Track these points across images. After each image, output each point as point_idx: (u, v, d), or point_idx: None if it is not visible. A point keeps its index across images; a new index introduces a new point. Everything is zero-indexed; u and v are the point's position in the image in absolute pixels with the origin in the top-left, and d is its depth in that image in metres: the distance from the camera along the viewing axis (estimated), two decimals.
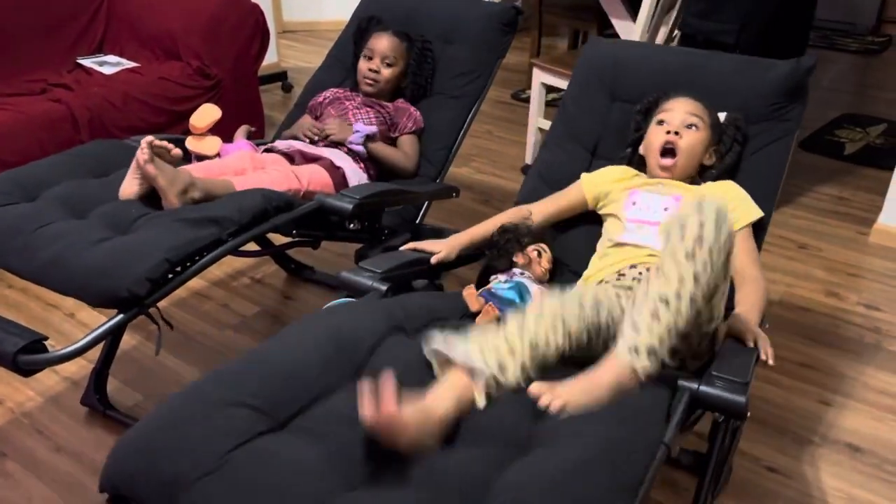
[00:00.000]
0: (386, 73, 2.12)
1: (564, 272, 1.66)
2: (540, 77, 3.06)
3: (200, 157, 1.87)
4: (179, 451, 0.98)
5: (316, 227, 1.81)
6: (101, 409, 1.85)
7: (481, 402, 1.09)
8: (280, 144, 2.02)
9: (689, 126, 1.58)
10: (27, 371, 1.29)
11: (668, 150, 1.58)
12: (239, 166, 1.82)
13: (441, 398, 1.07)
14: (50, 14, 2.93)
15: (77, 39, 3.02)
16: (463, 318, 1.41)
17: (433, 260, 1.55)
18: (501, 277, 1.50)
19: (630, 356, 1.11)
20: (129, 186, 1.65)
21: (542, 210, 1.68)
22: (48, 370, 1.92)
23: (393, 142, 2.10)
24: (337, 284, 1.47)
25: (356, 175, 1.95)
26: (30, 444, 1.77)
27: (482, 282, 1.55)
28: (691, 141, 1.57)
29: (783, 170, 1.62)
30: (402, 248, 1.60)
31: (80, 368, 1.97)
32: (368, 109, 2.10)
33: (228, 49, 2.99)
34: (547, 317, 1.15)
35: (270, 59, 4.07)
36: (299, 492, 0.94)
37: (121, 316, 1.38)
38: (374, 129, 2.00)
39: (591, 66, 1.87)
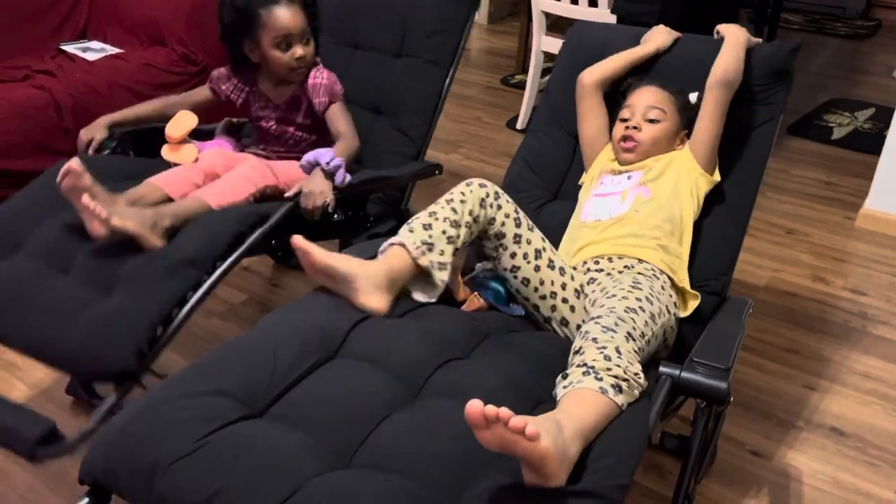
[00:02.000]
0: (310, 49, 1.85)
1: None
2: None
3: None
4: (156, 439, 0.98)
5: (295, 230, 1.69)
6: (86, 397, 1.84)
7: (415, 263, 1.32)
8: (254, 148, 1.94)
9: (650, 120, 1.59)
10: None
11: (628, 147, 1.60)
12: (209, 168, 1.74)
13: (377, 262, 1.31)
14: (32, 0, 2.89)
15: (60, 25, 2.98)
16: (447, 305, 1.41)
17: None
18: (488, 265, 1.50)
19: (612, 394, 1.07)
20: (96, 228, 1.49)
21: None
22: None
23: (319, 123, 1.91)
24: None
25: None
26: None
27: (468, 271, 1.55)
28: (652, 134, 1.59)
29: (767, 153, 1.61)
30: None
31: None
32: (290, 129, 1.91)
33: (214, 34, 2.93)
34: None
35: None
36: (276, 473, 0.94)
37: (114, 395, 1.36)
38: (338, 161, 1.69)
39: (577, 50, 1.85)
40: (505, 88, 3.96)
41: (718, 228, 1.58)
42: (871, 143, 3.28)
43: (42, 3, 2.93)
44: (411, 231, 1.34)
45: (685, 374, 1.14)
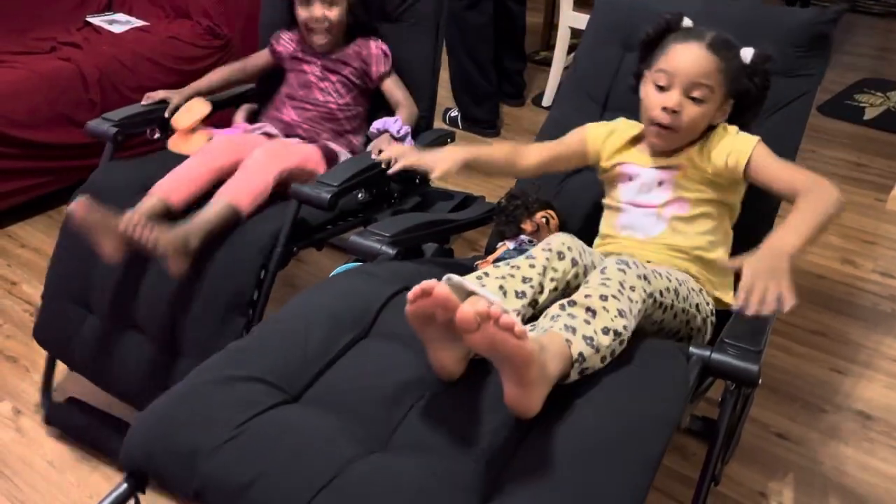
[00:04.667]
0: (332, 14, 1.84)
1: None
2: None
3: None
4: (196, 425, 0.99)
5: (309, 227, 1.69)
6: None
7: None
8: (271, 129, 1.90)
9: (694, 98, 1.32)
10: None
11: (663, 134, 1.36)
12: (215, 164, 1.67)
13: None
14: None
15: None
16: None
17: (433, 176, 1.38)
18: (510, 244, 1.48)
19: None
20: (110, 253, 1.46)
21: (537, 153, 1.51)
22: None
23: (373, 92, 1.95)
24: (346, 248, 1.45)
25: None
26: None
27: (490, 249, 1.53)
28: (694, 116, 1.32)
29: (802, 129, 1.55)
30: (380, 157, 1.55)
31: None
32: (332, 77, 1.91)
33: (239, 8, 2.94)
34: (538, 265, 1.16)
35: None
36: (315, 458, 0.94)
37: None
38: (406, 128, 1.80)
39: (605, 16, 1.79)
40: (530, 65, 3.91)
41: (750, 208, 1.50)
42: None
43: None
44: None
45: (716, 356, 1.11)
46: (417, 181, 1.93)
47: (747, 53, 1.36)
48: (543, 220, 1.51)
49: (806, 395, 1.83)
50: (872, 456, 1.67)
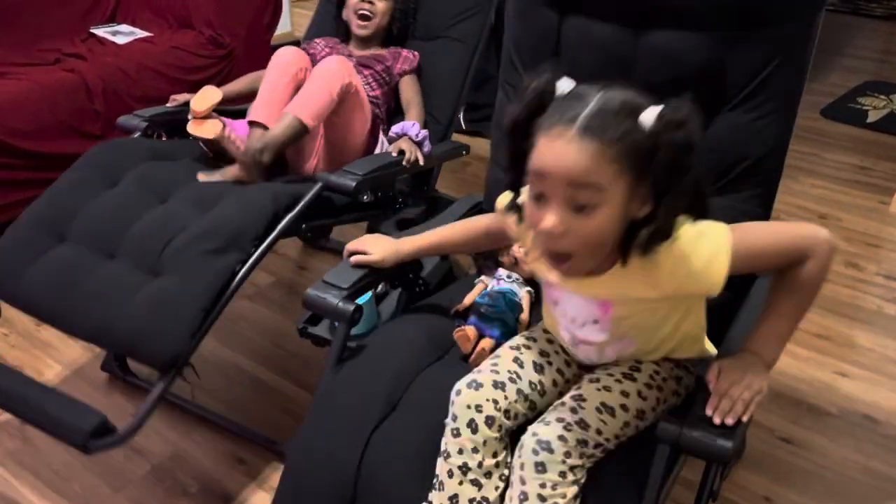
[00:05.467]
0: (380, 6, 2.01)
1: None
2: None
3: (203, 141, 1.86)
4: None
5: (324, 213, 1.75)
6: (121, 375, 1.87)
7: None
8: None
9: (579, 208, 0.91)
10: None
11: (556, 266, 1.00)
12: (288, 76, 1.81)
13: None
14: None
15: (90, 9, 3.00)
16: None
17: (362, 261, 1.34)
18: (487, 282, 1.44)
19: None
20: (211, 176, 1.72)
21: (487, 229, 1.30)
22: (65, 338, 1.94)
23: (393, 90, 2.03)
24: (303, 303, 1.33)
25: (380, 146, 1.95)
26: None
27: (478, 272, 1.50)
28: (587, 233, 0.93)
29: (801, 88, 1.31)
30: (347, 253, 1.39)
31: None
32: (365, 71, 1.98)
33: (241, 18, 2.96)
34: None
35: (284, 27, 4.03)
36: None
37: (165, 380, 1.39)
38: (424, 132, 1.87)
39: None
40: None
41: (740, 212, 1.36)
42: None
43: None
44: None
45: (687, 433, 0.98)
46: (426, 188, 1.95)
47: (649, 117, 0.90)
48: (522, 252, 1.42)
49: (811, 398, 1.83)
50: (878, 460, 1.66)
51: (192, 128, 1.86)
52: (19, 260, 1.55)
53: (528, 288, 1.41)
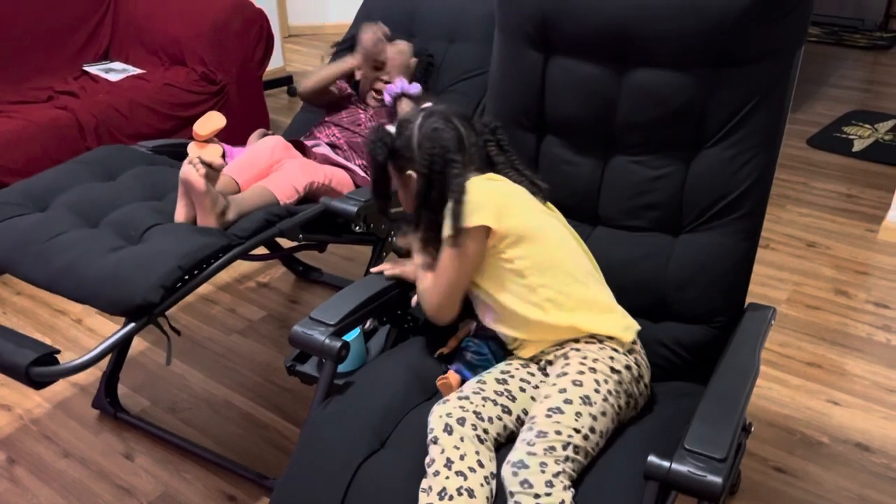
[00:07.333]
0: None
1: None
2: None
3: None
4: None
5: (322, 229, 1.82)
6: (113, 412, 1.86)
7: None
8: (307, 142, 2.02)
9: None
10: (40, 383, 1.29)
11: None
12: (267, 161, 1.85)
13: None
14: (56, 21, 2.95)
15: (83, 46, 3.04)
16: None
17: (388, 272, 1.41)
18: (473, 327, 1.40)
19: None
20: (182, 213, 1.62)
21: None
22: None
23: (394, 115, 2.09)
24: (289, 340, 1.29)
25: None
26: (38, 450, 1.78)
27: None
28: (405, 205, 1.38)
29: (783, 123, 1.32)
30: (385, 273, 1.42)
31: (89, 374, 1.98)
32: (379, 118, 2.08)
33: (233, 54, 3.00)
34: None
35: (276, 63, 4.08)
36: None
37: (131, 325, 1.37)
38: (417, 88, 2.02)
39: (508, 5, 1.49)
40: None
41: (725, 246, 1.35)
42: (892, 155, 3.25)
43: (66, 25, 2.99)
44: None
45: (676, 468, 0.97)
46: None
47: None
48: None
49: (803, 427, 1.83)
50: (872, 489, 1.66)
51: (194, 151, 1.88)
52: None
53: None
